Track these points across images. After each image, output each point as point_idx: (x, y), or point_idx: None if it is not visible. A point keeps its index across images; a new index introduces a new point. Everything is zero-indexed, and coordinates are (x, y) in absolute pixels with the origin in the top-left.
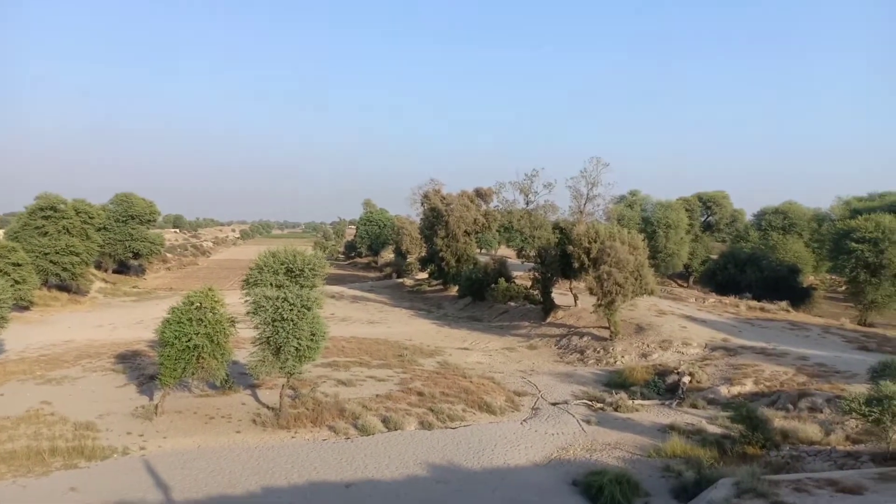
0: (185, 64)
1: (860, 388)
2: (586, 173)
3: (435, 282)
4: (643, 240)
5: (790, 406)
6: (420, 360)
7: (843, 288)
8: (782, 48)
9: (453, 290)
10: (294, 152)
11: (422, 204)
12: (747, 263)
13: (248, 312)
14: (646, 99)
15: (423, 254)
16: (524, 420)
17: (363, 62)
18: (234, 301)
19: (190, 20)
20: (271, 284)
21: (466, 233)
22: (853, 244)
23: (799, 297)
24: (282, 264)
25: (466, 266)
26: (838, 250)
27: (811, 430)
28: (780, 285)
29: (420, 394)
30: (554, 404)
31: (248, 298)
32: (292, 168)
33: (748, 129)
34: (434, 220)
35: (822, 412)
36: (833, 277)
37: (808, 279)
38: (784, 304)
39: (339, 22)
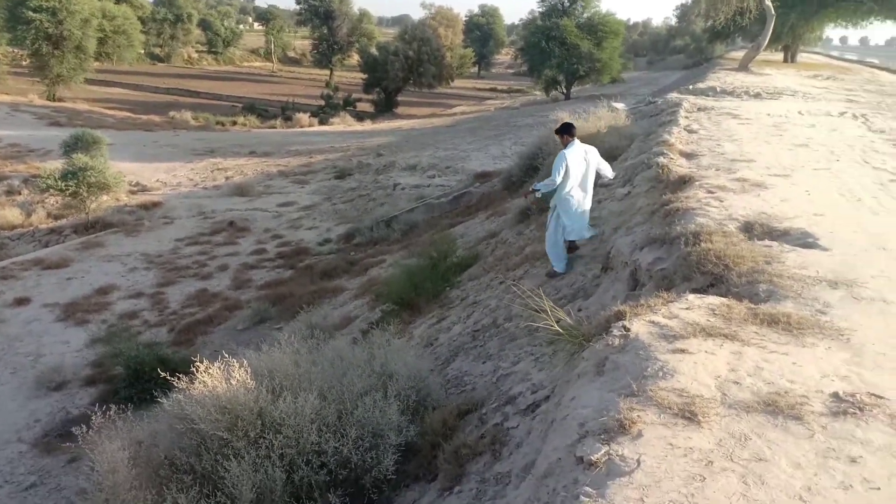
0: None
1: (56, 164)
2: None
3: None
4: None
5: None
6: None
7: (27, 62)
8: None
9: None
10: None
11: None
12: None
13: None
14: None
15: None
16: None
17: None
18: None
19: None
20: None
21: None
22: (31, 14)
23: None
24: None
25: None
26: (16, 20)
27: (11, 214)
28: None
29: None
30: None
31: None
32: None
33: None
34: None
35: (20, 194)
36: (15, 51)
37: None
38: None
39: None
